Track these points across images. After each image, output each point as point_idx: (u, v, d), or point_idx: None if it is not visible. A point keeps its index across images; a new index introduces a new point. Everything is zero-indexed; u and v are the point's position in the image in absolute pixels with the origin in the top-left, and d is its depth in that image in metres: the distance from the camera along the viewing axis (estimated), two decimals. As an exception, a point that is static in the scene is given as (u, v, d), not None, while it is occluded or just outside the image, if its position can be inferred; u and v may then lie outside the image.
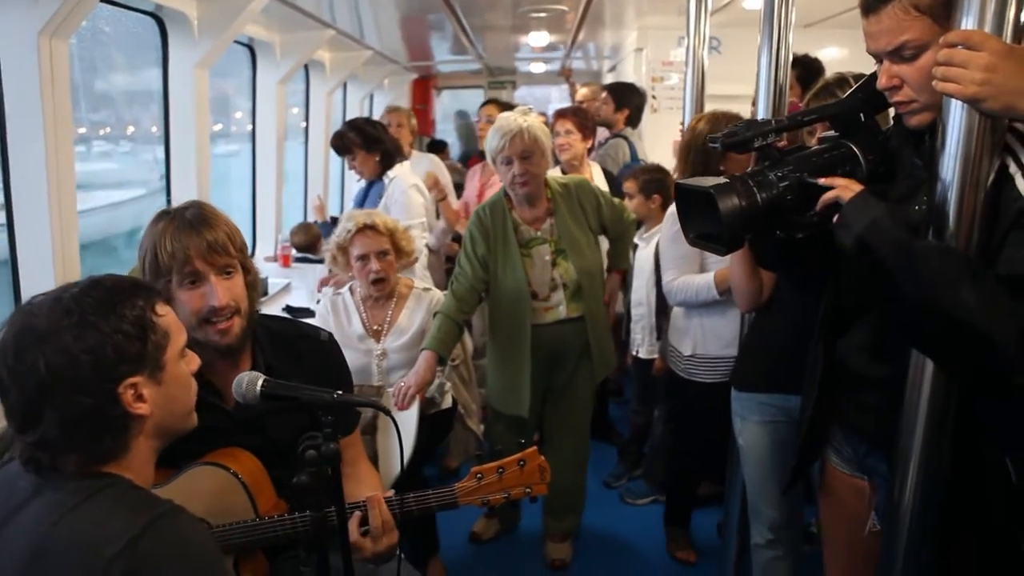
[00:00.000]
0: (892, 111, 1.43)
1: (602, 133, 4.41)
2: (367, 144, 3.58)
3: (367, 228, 2.48)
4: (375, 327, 2.56)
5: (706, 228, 1.36)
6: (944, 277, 1.14)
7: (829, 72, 2.47)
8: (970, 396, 1.30)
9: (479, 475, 1.53)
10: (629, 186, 3.19)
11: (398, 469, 2.20)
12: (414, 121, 4.51)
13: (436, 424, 2.68)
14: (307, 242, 4.52)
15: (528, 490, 1.54)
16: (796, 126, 1.44)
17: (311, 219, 4.99)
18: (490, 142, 2.55)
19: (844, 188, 1.26)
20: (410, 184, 3.60)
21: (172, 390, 1.16)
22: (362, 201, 3.71)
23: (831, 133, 1.47)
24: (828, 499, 1.72)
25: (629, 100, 4.37)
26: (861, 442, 1.56)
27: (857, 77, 1.84)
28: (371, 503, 1.48)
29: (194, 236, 1.49)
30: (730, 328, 2.52)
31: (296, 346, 1.71)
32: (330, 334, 1.82)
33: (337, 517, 1.34)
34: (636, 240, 3.26)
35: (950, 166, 1.22)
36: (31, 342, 1.03)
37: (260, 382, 1.31)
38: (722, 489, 3.14)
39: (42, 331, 1.03)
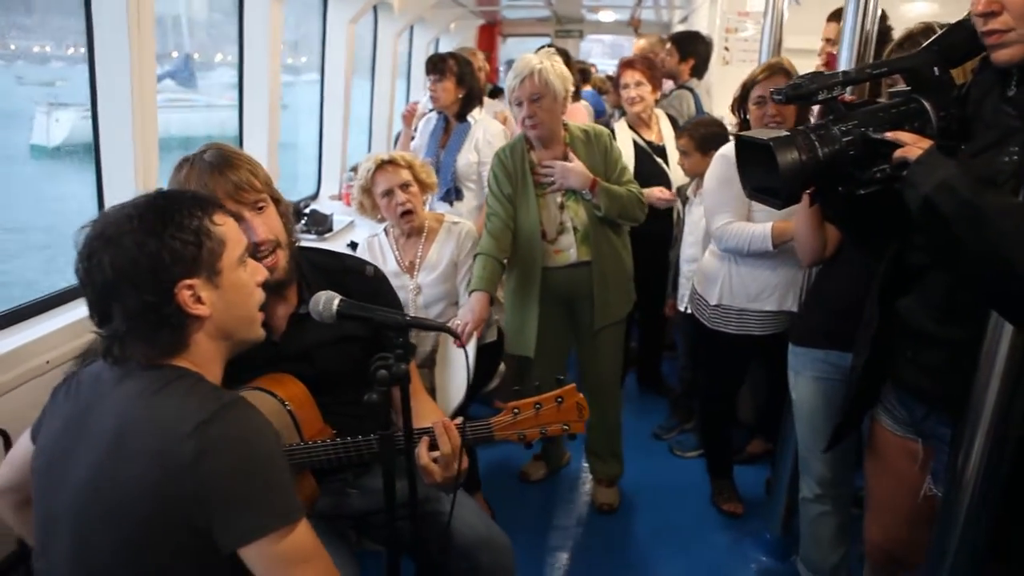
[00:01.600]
0: (969, 65, 1.38)
1: (667, 85, 4.32)
2: (461, 77, 3.55)
3: (385, 164, 2.50)
4: (408, 263, 2.59)
5: (764, 181, 1.34)
6: (1019, 237, 1.10)
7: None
8: None
9: (516, 410, 1.52)
10: (683, 143, 3.11)
11: (456, 403, 2.29)
12: (487, 67, 4.48)
13: (487, 356, 2.74)
14: None
15: (566, 427, 1.52)
16: (864, 79, 1.40)
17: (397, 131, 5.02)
18: (507, 82, 2.57)
19: (912, 146, 1.23)
20: (500, 130, 3.60)
21: (231, 295, 1.23)
22: (440, 136, 3.64)
23: (903, 87, 1.43)
24: (875, 460, 1.72)
25: (694, 49, 4.25)
26: (919, 404, 1.54)
27: (944, 27, 1.78)
28: (438, 428, 1.51)
29: (218, 177, 1.52)
30: (758, 282, 2.54)
31: (342, 280, 1.72)
32: (376, 267, 1.84)
33: (404, 438, 1.39)
34: (688, 194, 3.22)
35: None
36: (100, 245, 1.14)
37: (336, 301, 1.36)
38: (771, 447, 3.19)
39: (109, 235, 1.14)
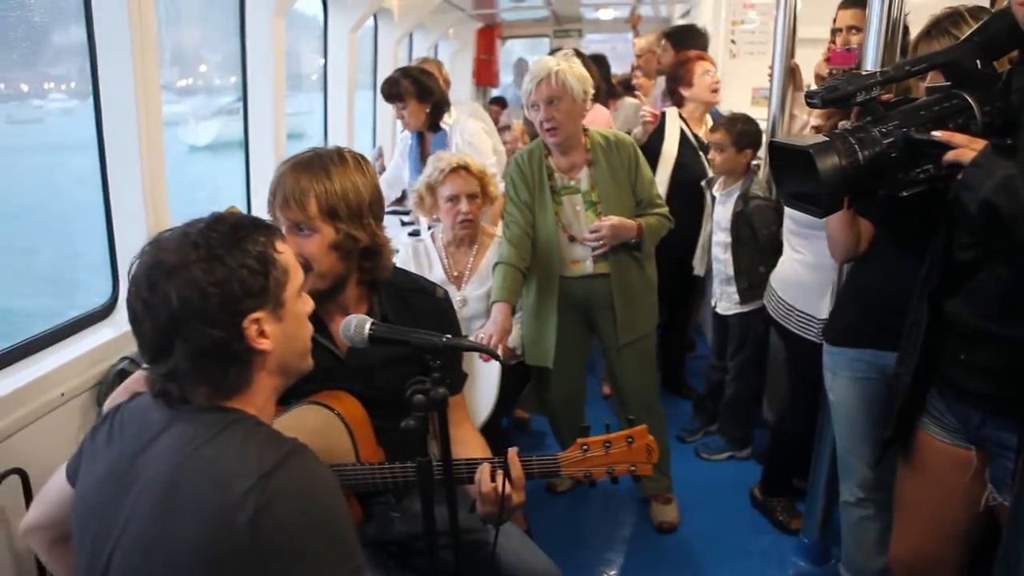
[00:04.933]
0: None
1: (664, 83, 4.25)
2: (420, 94, 3.46)
3: (460, 168, 2.47)
4: (456, 273, 2.55)
5: (802, 188, 1.29)
6: None
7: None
8: None
9: (585, 447, 1.49)
10: (719, 137, 3.02)
11: (482, 419, 2.23)
12: (446, 71, 4.36)
13: (517, 374, 2.67)
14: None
15: (633, 467, 1.50)
16: (903, 76, 1.35)
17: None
18: (523, 86, 2.48)
19: (965, 147, 1.17)
20: (479, 127, 3.53)
21: (291, 327, 1.16)
22: (418, 155, 3.57)
23: (941, 83, 1.37)
24: (918, 471, 1.64)
25: (691, 43, 4.17)
26: (975, 410, 1.47)
27: (972, 11, 1.71)
28: (511, 458, 1.46)
29: (284, 182, 1.50)
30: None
31: (411, 299, 1.71)
32: (446, 291, 1.82)
33: (443, 464, 1.34)
34: (715, 193, 3.16)
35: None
36: (162, 275, 1.05)
37: (368, 325, 1.31)
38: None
39: (172, 264, 1.05)
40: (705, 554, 2.68)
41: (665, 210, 2.62)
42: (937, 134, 1.20)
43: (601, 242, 2.48)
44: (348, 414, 1.53)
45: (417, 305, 1.70)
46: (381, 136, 5.47)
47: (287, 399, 1.50)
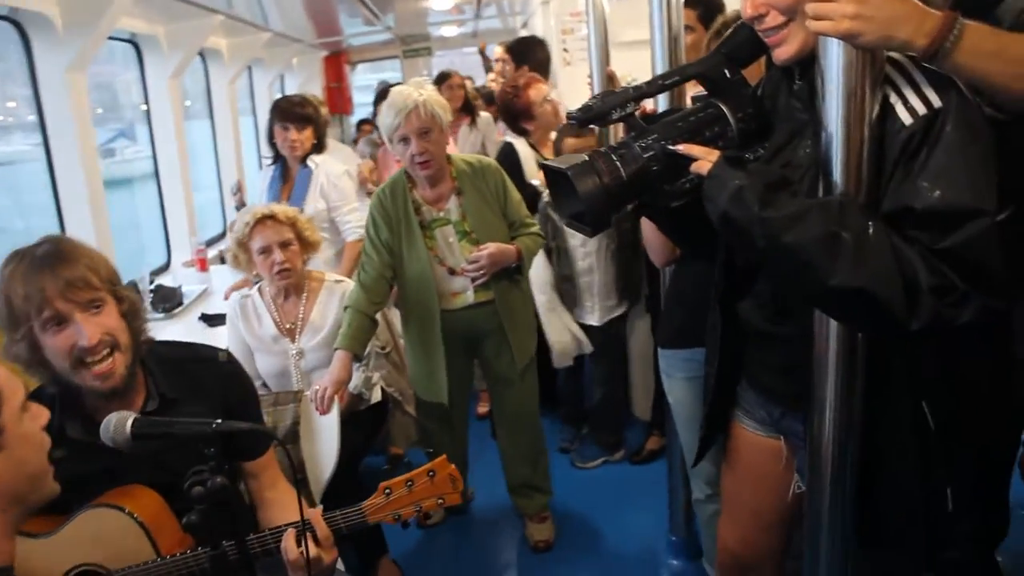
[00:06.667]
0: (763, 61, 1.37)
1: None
2: (317, 123, 3.35)
3: (266, 219, 2.35)
4: (288, 325, 2.44)
5: (575, 208, 1.28)
6: (813, 246, 1.08)
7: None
8: (879, 345, 1.26)
9: (387, 490, 1.46)
10: (571, 143, 2.98)
11: (328, 472, 2.14)
12: (324, 110, 4.08)
13: (369, 419, 2.59)
14: None
15: (441, 500, 1.48)
16: (656, 91, 1.36)
17: (230, 209, 4.79)
18: (384, 119, 2.39)
19: (703, 160, 1.20)
20: (343, 170, 3.42)
21: (19, 451, 1.02)
22: (280, 188, 3.40)
23: (703, 93, 1.40)
24: (737, 463, 1.67)
25: (531, 55, 4.21)
26: (774, 404, 1.51)
27: None
28: (312, 519, 1.42)
29: (48, 275, 1.37)
30: None
31: (193, 371, 1.62)
32: (228, 353, 1.73)
33: (238, 549, 1.25)
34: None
35: (833, 104, 1.17)
36: None
37: (130, 422, 1.20)
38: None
39: None
40: (583, 568, 2.68)
41: (536, 228, 2.63)
42: (680, 147, 1.22)
43: (482, 272, 2.44)
44: (140, 510, 1.42)
45: (200, 375, 1.61)
46: (227, 178, 5.25)
47: (71, 506, 1.38)
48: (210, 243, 4.70)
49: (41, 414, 1.11)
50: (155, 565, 1.40)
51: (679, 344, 2.11)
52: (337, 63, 8.67)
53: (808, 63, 1.22)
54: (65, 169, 3.14)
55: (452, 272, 2.48)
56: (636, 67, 3.25)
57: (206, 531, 1.20)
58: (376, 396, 2.61)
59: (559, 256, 3.11)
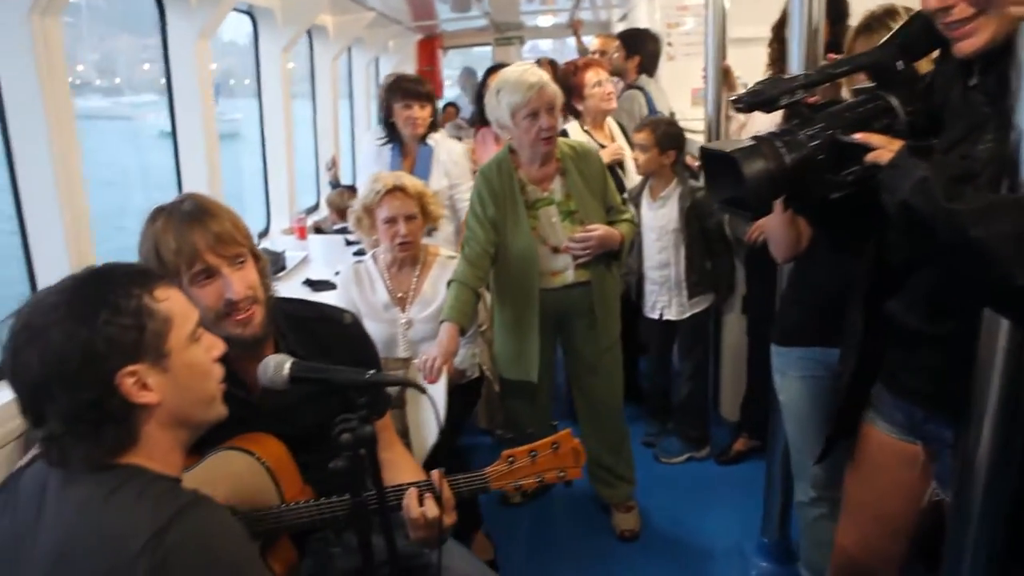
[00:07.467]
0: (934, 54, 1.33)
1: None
2: (434, 99, 3.36)
3: (396, 190, 2.40)
4: (400, 295, 2.49)
5: (733, 193, 1.27)
6: (1003, 243, 1.02)
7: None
8: None
9: (511, 459, 1.47)
10: (643, 137, 3.01)
11: (431, 442, 2.18)
12: None
13: (465, 394, 2.63)
14: (347, 208, 4.40)
15: (562, 474, 1.48)
16: (826, 79, 1.33)
17: (324, 183, 4.90)
18: (510, 96, 2.40)
19: (883, 149, 1.16)
20: (463, 148, 3.44)
21: (183, 377, 1.10)
22: (400, 166, 3.34)
23: (867, 84, 1.37)
24: (865, 466, 1.62)
25: (642, 46, 4.18)
26: (917, 406, 1.46)
27: (908, 9, 1.73)
28: (437, 479, 1.45)
29: (199, 228, 1.41)
30: None
31: (318, 330, 1.65)
32: (353, 315, 1.76)
33: (377, 500, 1.29)
34: (643, 198, 3.14)
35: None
36: (24, 340, 1.01)
37: (288, 365, 1.25)
38: (758, 444, 3.13)
39: (34, 328, 1.01)
40: (669, 561, 2.66)
41: (632, 215, 2.64)
42: (857, 136, 1.20)
43: (588, 251, 2.46)
44: (268, 455, 1.46)
45: (325, 335, 1.64)
46: (324, 155, 5.38)
47: (202, 448, 1.44)
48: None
49: (216, 345, 1.18)
50: (288, 509, 1.45)
51: (795, 342, 2.07)
52: (431, 47, 8.75)
53: (991, 57, 1.17)
54: (187, 130, 3.27)
55: (556, 251, 2.50)
56: (745, 64, 3.22)
57: (350, 478, 1.23)
58: (474, 372, 2.64)
59: (632, 250, 3.10)
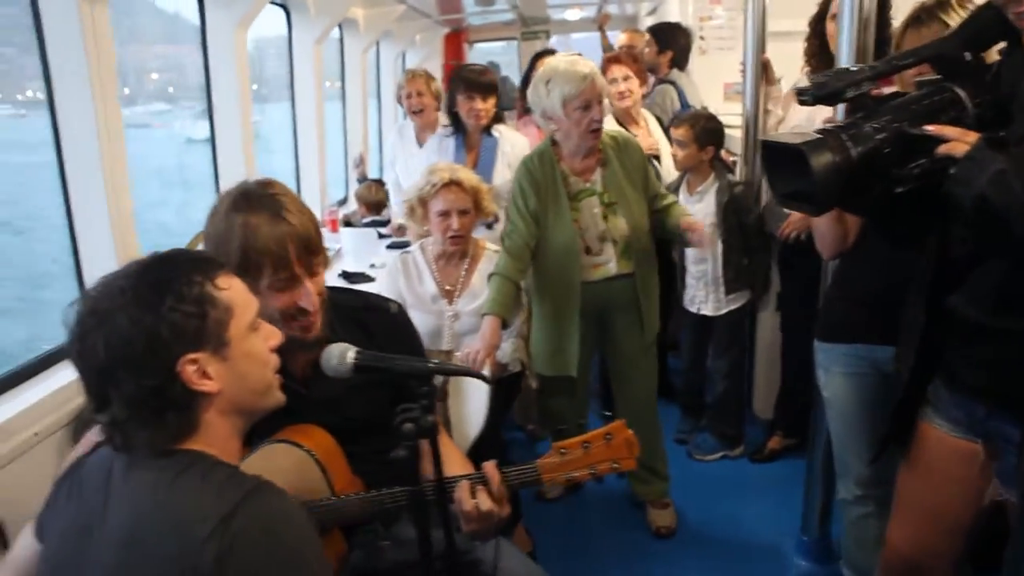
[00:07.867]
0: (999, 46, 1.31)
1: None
2: (498, 90, 3.29)
3: (452, 184, 2.40)
4: (447, 287, 2.49)
5: (796, 186, 1.26)
6: None
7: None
8: None
9: (562, 451, 1.43)
10: (681, 133, 2.98)
11: (473, 435, 2.18)
12: (436, 84, 3.90)
13: (506, 389, 2.62)
14: (376, 202, 4.44)
15: (616, 465, 1.44)
16: (892, 71, 1.33)
17: (352, 179, 4.92)
18: (562, 87, 2.36)
19: (958, 141, 1.15)
20: (526, 140, 3.32)
21: (242, 366, 1.10)
22: (464, 158, 3.27)
23: (931, 76, 1.35)
24: (921, 463, 1.60)
25: (673, 41, 4.15)
26: (979, 403, 1.44)
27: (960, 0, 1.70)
28: (488, 471, 1.42)
29: (288, 234, 1.37)
30: None
31: (365, 319, 1.63)
32: (399, 305, 1.75)
33: (436, 491, 1.29)
34: (681, 193, 3.12)
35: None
36: (91, 325, 1.02)
37: (351, 353, 1.25)
38: (792, 443, 3.11)
39: (100, 313, 1.02)
40: (706, 558, 2.64)
41: (674, 198, 2.67)
42: (930, 128, 1.18)
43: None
44: (317, 447, 1.46)
45: (372, 324, 1.62)
46: (352, 148, 5.40)
47: (251, 440, 1.43)
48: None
49: (273, 335, 1.19)
50: (345, 500, 1.44)
51: (839, 338, 2.04)
52: (457, 41, 8.75)
53: None
54: (224, 118, 3.31)
55: (587, 251, 2.49)
56: (783, 58, 3.19)
57: (410, 468, 1.23)
58: (516, 366, 2.63)
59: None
